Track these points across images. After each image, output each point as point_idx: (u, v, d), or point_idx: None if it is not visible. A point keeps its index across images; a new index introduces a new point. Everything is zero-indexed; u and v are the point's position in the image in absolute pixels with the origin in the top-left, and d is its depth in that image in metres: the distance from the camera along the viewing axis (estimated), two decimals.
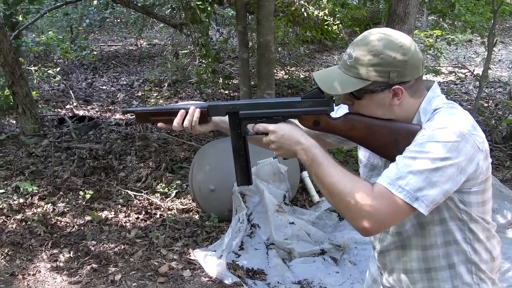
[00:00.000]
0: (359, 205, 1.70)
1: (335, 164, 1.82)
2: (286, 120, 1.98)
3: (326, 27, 10.28)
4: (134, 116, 2.23)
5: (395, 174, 1.71)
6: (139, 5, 9.26)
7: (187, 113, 2.10)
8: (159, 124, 2.16)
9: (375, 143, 1.91)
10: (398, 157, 1.75)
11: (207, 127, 2.17)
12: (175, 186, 6.01)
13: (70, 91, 9.72)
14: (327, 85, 1.88)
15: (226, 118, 2.09)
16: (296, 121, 2.00)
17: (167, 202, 5.79)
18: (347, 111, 2.00)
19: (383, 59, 1.78)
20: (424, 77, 1.94)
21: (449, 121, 1.73)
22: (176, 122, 2.11)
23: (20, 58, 7.97)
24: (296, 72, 12.09)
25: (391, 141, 1.85)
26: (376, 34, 1.84)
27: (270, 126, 1.94)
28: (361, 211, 1.70)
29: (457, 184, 1.72)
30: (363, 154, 2.15)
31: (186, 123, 2.09)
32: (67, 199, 5.72)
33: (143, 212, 5.55)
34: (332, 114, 2.02)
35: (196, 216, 5.51)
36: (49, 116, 8.59)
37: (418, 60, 1.83)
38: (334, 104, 1.98)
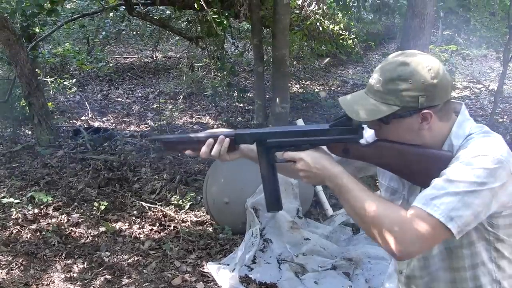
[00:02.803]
0: (393, 229, 1.68)
1: (364, 189, 1.80)
2: (315, 148, 1.96)
3: (341, 41, 10.30)
4: (161, 145, 2.21)
5: (430, 195, 1.68)
6: (155, 17, 9.34)
7: (215, 141, 2.07)
8: (187, 152, 2.13)
9: (406, 170, 1.88)
10: (434, 180, 1.72)
11: (234, 155, 2.14)
12: (189, 198, 6.01)
13: (86, 103, 9.79)
14: (354, 111, 1.84)
15: (254, 146, 2.07)
16: (325, 147, 1.98)
17: (181, 214, 5.80)
18: (372, 132, 1.98)
19: (412, 83, 1.74)
20: None
21: (487, 148, 1.70)
22: (203, 151, 2.08)
23: (36, 69, 8.03)
24: (311, 86, 12.11)
25: (422, 168, 1.82)
26: (403, 58, 1.80)
27: (298, 154, 1.93)
28: (395, 235, 1.67)
29: (489, 210, 1.70)
30: (383, 178, 2.12)
31: (214, 152, 2.06)
32: (82, 210, 5.74)
33: (157, 224, 5.55)
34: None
35: (210, 229, 5.51)
36: (64, 127, 8.65)
37: (447, 83, 1.79)
38: (363, 130, 1.94)
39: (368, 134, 2.03)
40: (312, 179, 1.93)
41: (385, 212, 1.72)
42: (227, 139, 2.07)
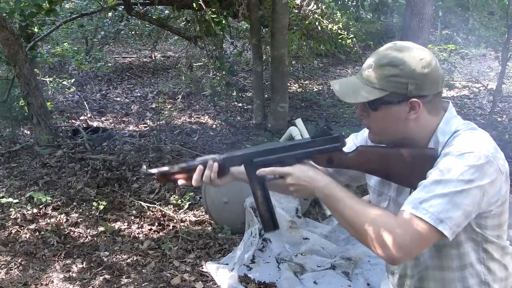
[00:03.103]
0: (383, 234, 1.68)
1: (353, 197, 1.81)
2: (301, 161, 1.98)
3: (340, 40, 10.31)
4: (155, 177, 2.24)
5: (419, 198, 1.68)
6: (154, 17, 9.33)
7: (205, 167, 2.11)
8: (179, 182, 2.17)
9: (390, 172, 1.89)
10: (422, 182, 1.72)
11: (226, 179, 2.19)
12: (188, 198, 6.00)
13: (84, 102, 9.79)
14: (344, 93, 1.86)
15: (243, 167, 2.09)
16: (311, 161, 1.99)
17: (180, 213, 5.79)
18: (366, 136, 1.99)
19: (402, 70, 1.75)
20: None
21: (473, 144, 1.70)
22: (195, 178, 2.11)
23: (35, 69, 8.03)
24: (310, 86, 12.11)
25: (407, 168, 1.83)
26: (397, 46, 1.82)
27: (286, 169, 1.95)
28: (386, 240, 1.67)
29: (479, 208, 1.69)
30: (370, 180, 2.13)
31: (205, 178, 2.10)
32: (81, 210, 5.73)
33: (156, 224, 5.55)
34: (352, 141, 2.05)
35: (209, 228, 5.50)
36: (63, 127, 8.63)
37: (438, 75, 1.79)
38: (344, 138, 1.97)
39: (359, 139, 2.06)
40: (302, 192, 1.94)
41: (375, 218, 1.72)
42: (216, 164, 2.11)
